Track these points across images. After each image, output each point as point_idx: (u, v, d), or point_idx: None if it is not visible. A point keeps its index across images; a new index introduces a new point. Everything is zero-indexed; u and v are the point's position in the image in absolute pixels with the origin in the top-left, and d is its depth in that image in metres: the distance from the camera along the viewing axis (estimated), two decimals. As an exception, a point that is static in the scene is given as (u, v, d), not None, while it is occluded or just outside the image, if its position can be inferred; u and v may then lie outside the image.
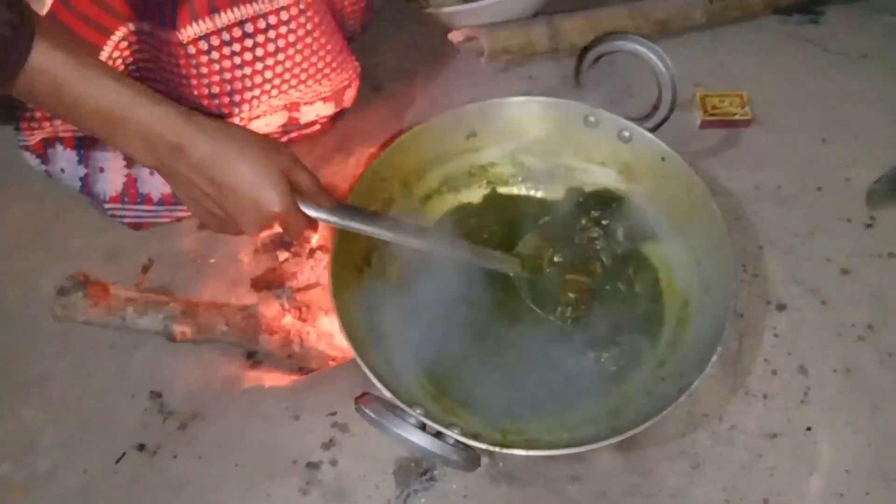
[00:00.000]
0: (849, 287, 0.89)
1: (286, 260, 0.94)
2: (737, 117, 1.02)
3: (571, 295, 0.84)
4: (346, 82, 0.94)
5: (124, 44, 0.83)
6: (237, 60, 0.83)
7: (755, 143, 1.02)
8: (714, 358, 0.70)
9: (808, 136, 1.02)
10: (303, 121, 0.96)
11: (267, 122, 0.92)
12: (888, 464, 0.77)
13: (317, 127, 1.00)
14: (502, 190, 0.95)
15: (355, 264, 0.82)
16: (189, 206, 0.73)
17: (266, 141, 0.72)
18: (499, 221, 0.92)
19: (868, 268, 0.90)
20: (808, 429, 0.79)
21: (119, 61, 0.85)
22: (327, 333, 0.87)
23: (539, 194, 0.95)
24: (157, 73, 0.87)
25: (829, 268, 0.90)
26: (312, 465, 0.77)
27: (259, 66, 0.84)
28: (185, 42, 0.80)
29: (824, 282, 0.89)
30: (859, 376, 0.82)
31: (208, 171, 0.68)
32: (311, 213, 0.73)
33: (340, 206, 0.75)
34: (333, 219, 0.74)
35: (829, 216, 0.94)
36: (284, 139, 0.99)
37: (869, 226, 0.94)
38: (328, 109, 0.96)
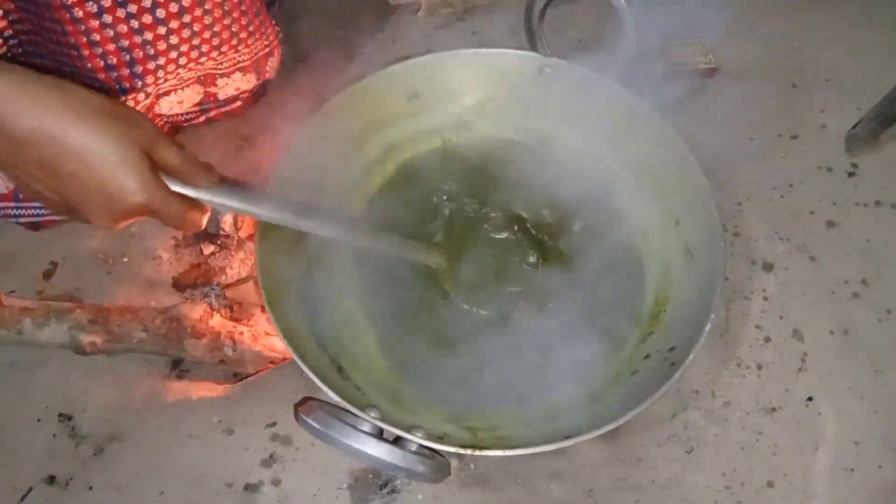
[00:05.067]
0: (837, 240, 0.85)
1: (212, 254, 0.85)
2: (700, 66, 0.96)
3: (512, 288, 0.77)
4: (266, 49, 0.88)
5: (-1, 13, 0.75)
6: (135, 24, 0.74)
7: (721, 93, 0.97)
8: (708, 326, 0.64)
9: (777, 82, 0.99)
10: (221, 96, 0.88)
11: (180, 99, 0.85)
12: (898, 431, 0.73)
13: (238, 104, 0.92)
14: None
15: (288, 251, 0.72)
16: (19, 187, 0.58)
17: (117, 107, 0.56)
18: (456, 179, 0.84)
19: (855, 218, 0.87)
20: (809, 399, 0.75)
21: (-5, 35, 0.76)
22: (264, 333, 0.80)
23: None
24: (43, 45, 0.77)
25: (814, 221, 0.87)
26: (251, 488, 0.70)
27: (161, 29, 0.76)
28: (69, 4, 0.70)
29: (811, 236, 0.85)
30: (858, 337, 0.79)
31: (34, 148, 0.52)
32: (187, 192, 0.58)
33: (226, 184, 0.60)
34: (218, 200, 0.59)
35: (808, 166, 0.91)
36: (202, 119, 0.91)
37: (851, 174, 0.89)
38: (249, 82, 0.88)
